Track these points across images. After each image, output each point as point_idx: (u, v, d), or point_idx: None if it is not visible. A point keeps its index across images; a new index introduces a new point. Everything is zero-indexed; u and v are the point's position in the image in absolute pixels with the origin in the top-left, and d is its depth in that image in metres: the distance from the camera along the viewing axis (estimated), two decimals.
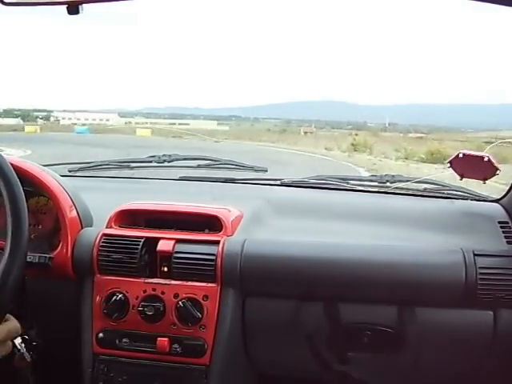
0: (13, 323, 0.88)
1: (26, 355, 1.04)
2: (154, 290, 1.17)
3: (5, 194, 0.91)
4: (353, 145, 15.94)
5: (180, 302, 1.15)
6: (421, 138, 20.94)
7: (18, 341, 1.01)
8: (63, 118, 32.18)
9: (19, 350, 1.03)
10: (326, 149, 15.58)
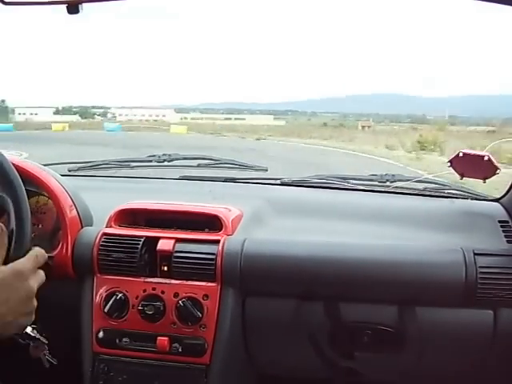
0: (38, 249, 0.87)
1: (42, 339, 1.04)
2: (153, 289, 1.17)
3: (7, 194, 0.91)
4: (419, 142, 12.57)
5: (180, 302, 1.15)
6: (493, 131, 18.05)
7: (29, 329, 1.02)
8: (120, 115, 32.34)
9: (33, 338, 1.03)
10: (387, 147, 12.82)
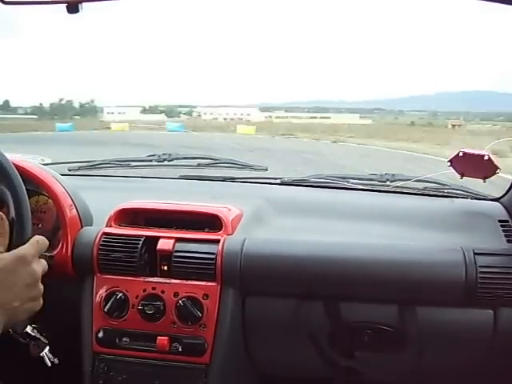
0: (39, 236, 0.87)
1: (42, 339, 1.04)
2: (153, 288, 1.17)
3: (8, 194, 0.92)
4: None
5: (180, 301, 1.15)
6: None
7: (29, 329, 1.02)
8: (205, 114, 32.64)
9: (33, 338, 1.03)
10: (495, 153, 10.55)
